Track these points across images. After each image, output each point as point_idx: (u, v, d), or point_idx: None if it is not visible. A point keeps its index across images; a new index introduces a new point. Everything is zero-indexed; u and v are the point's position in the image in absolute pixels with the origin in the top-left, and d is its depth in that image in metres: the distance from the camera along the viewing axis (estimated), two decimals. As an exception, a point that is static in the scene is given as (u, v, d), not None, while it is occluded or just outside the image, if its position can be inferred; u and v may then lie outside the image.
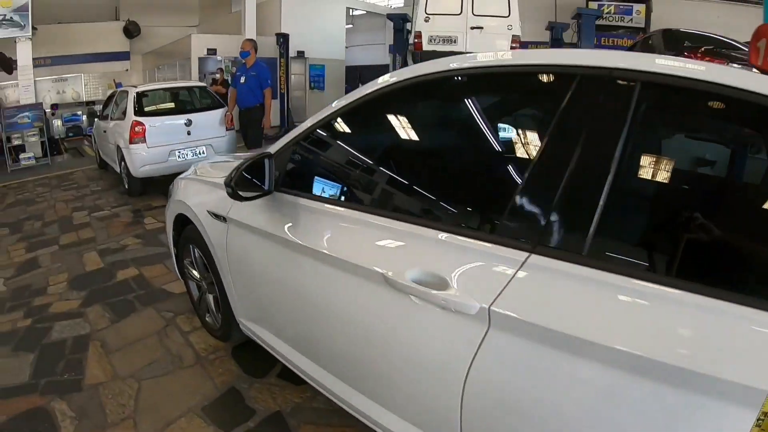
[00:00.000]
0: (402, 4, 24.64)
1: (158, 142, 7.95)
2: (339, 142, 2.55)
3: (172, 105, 8.87)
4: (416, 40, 9.88)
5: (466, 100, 2.06)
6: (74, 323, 4.03)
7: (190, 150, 8.25)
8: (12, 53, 15.12)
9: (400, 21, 12.37)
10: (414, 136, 2.23)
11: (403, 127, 2.24)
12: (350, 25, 23.65)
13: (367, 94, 2.18)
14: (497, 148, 1.87)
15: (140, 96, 8.30)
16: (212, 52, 16.96)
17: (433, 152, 2.19)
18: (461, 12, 9.71)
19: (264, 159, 2.34)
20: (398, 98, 2.17)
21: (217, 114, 8.58)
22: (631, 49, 11.45)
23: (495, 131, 1.89)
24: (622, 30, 16.34)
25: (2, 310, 4.37)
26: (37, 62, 16.94)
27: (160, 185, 8.60)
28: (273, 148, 2.55)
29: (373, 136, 2.40)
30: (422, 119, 2.31)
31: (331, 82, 21.53)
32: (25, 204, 8.54)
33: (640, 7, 16.88)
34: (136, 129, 7.82)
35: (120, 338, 3.76)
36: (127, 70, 22.57)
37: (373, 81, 2.21)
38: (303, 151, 2.52)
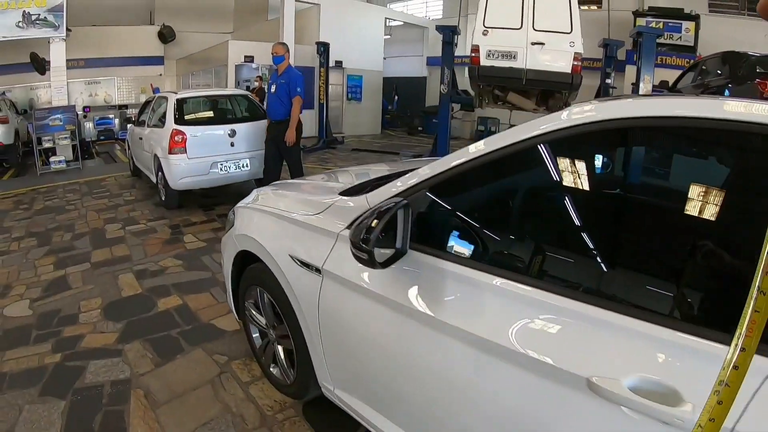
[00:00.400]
0: (441, 16, 24.42)
1: (199, 154, 7.43)
2: (505, 191, 1.97)
3: (213, 114, 8.35)
4: (473, 54, 9.38)
5: (691, 152, 1.54)
6: (111, 363, 3.48)
7: (233, 163, 7.71)
8: (45, 54, 14.87)
9: (449, 33, 11.69)
10: (621, 193, 1.63)
11: (605, 181, 1.65)
12: (388, 36, 23.27)
13: (545, 133, 1.58)
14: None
15: (181, 103, 7.76)
16: (249, 59, 16.64)
17: (655, 213, 1.52)
18: (521, 26, 9.18)
19: (398, 209, 1.77)
20: (595, 141, 1.57)
21: (261, 125, 7.95)
22: (687, 72, 10.94)
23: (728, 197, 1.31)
24: (666, 48, 16.01)
25: (28, 340, 3.83)
26: (71, 64, 16.80)
27: (198, 198, 8.19)
28: (400, 189, 1.99)
29: (559, 191, 1.68)
30: (635, 170, 1.61)
31: (368, 93, 21.41)
32: (55, 212, 8.03)
33: (689, 25, 16.53)
34: (176, 138, 7.29)
35: (167, 387, 3.20)
36: (160, 74, 22.39)
37: (549, 116, 1.61)
38: (446, 196, 1.93)
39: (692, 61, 12.64)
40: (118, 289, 4.78)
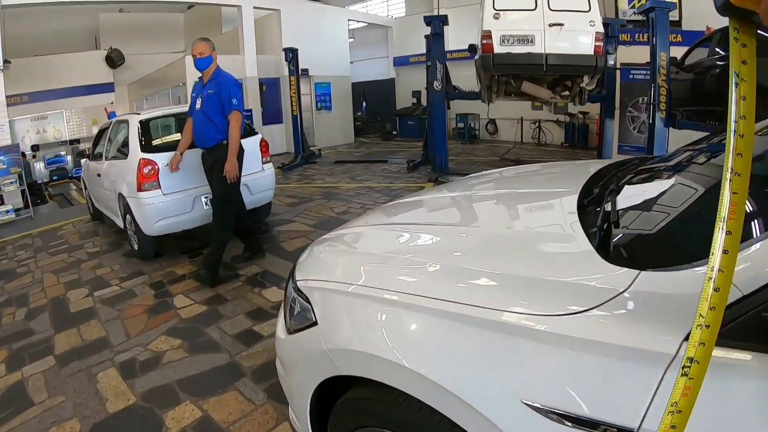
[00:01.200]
0: (404, 14, 23.56)
1: (177, 187, 5.95)
2: None
3: (188, 135, 6.81)
4: (485, 42, 8.26)
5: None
6: None
7: (222, 193, 6.20)
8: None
9: (439, 24, 10.57)
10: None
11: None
12: (351, 39, 22.05)
13: None
14: None
15: (146, 125, 6.26)
16: (210, 73, 15.11)
17: None
18: (536, 6, 8.21)
19: None
20: None
21: (251, 144, 6.55)
22: (697, 47, 10.23)
23: None
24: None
25: None
26: (12, 100, 15.19)
27: (179, 240, 6.72)
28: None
29: None
30: None
31: (337, 101, 20.28)
32: (3, 278, 6.39)
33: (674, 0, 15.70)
34: (145, 170, 5.80)
35: None
36: (112, 102, 20.66)
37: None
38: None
39: (706, 34, 11.78)
40: (100, 400, 3.33)
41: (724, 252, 0.77)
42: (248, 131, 6.88)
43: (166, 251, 6.49)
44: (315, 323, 1.83)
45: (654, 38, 9.46)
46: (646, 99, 10.53)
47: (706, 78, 7.78)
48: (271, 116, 17.20)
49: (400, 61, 22.67)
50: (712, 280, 0.78)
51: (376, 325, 1.64)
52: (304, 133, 15.16)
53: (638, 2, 15.32)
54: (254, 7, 16.39)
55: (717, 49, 8.81)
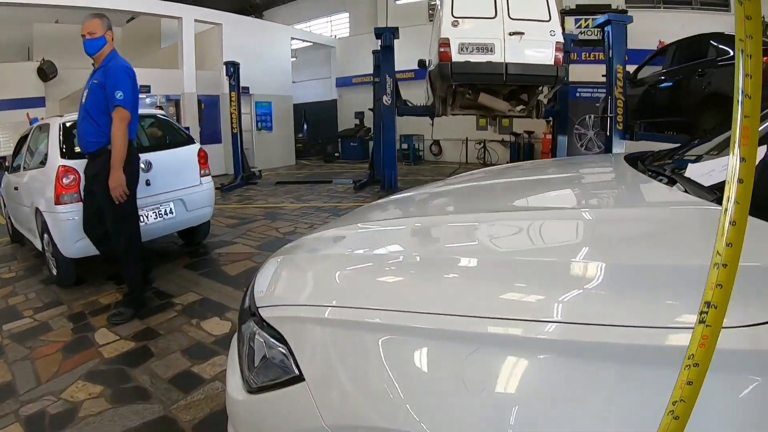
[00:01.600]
0: (348, 34, 23.30)
1: None
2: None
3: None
4: (442, 50, 8.05)
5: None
6: None
7: (153, 210, 5.51)
8: None
9: (390, 36, 10.29)
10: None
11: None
12: (294, 59, 21.48)
13: None
14: None
15: (68, 129, 5.42)
16: (146, 89, 14.22)
17: None
18: (496, 15, 8.13)
19: None
20: None
21: (187, 153, 5.90)
22: (649, 61, 10.67)
23: None
24: (592, 45, 15.98)
25: None
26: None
27: (104, 265, 5.81)
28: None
29: None
30: None
31: (278, 121, 19.75)
32: None
33: (618, 21, 16.29)
34: (65, 180, 4.95)
35: None
36: (42, 118, 19.38)
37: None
38: None
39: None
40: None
41: (740, 181, 0.69)
42: (185, 139, 6.25)
43: (89, 277, 5.63)
44: (298, 378, 1.20)
45: (610, 51, 9.76)
46: (593, 116, 10.68)
47: (658, 90, 8.17)
48: (210, 136, 16.37)
49: (343, 82, 22.41)
50: (728, 212, 0.69)
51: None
52: (244, 153, 14.49)
53: (585, 22, 15.70)
54: (195, 20, 15.72)
55: (673, 62, 9.14)
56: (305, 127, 23.31)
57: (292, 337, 1.26)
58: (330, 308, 1.25)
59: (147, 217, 5.41)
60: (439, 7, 9.01)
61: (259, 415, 1.35)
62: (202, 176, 6.27)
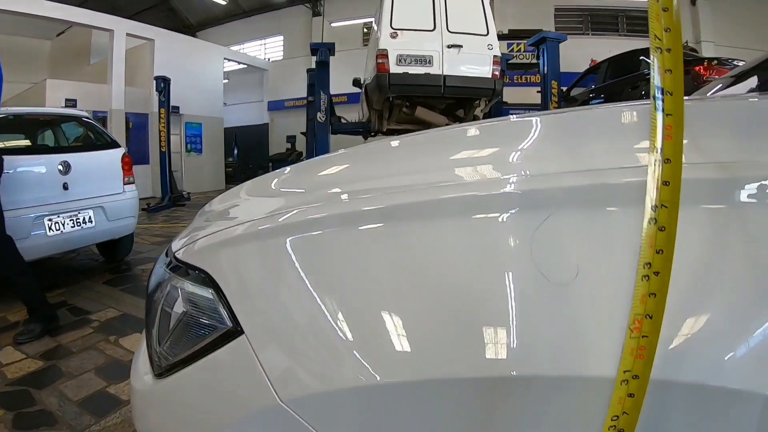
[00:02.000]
0: (281, 57, 23.25)
1: (10, 203, 4.37)
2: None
3: (30, 141, 5.64)
4: (380, 61, 7.97)
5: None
6: None
7: (71, 217, 4.99)
8: None
9: (325, 51, 10.16)
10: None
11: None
12: (226, 81, 21.14)
13: None
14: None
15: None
16: (72, 103, 13.66)
17: None
18: (435, 27, 8.15)
19: None
20: None
21: (110, 158, 5.49)
22: (583, 77, 11.69)
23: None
24: (524, 68, 17.10)
25: None
26: None
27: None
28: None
29: None
30: None
31: (209, 144, 19.33)
32: None
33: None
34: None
35: None
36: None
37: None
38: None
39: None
40: None
41: (665, 183, 0.66)
42: (108, 143, 5.85)
43: (-3, 292, 5.12)
44: (232, 333, 0.89)
45: (545, 67, 10.30)
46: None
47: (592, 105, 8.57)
48: (137, 156, 15.64)
49: (275, 106, 22.32)
50: (655, 218, 0.66)
51: None
52: (173, 174, 14.01)
53: (517, 46, 16.26)
54: (127, 34, 15.20)
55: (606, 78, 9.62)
56: (236, 151, 23.06)
57: (221, 270, 0.97)
58: (270, 217, 1.01)
59: (63, 225, 4.91)
60: (375, 26, 9.05)
61: (173, 403, 1.02)
62: (125, 184, 5.82)
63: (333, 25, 20.68)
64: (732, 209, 0.73)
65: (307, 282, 0.86)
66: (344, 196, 0.97)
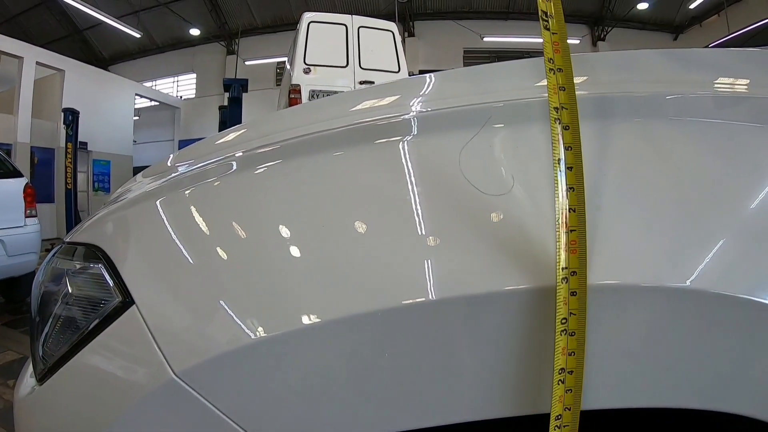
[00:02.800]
0: (194, 95, 22.95)
1: None
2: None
3: None
4: (293, 96, 8.07)
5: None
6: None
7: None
8: None
9: (238, 87, 10.29)
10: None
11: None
12: (136, 117, 20.62)
13: None
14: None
15: None
16: (-29, 138, 13.02)
17: None
18: (347, 64, 8.38)
19: None
20: None
21: (11, 187, 5.28)
22: None
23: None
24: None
25: None
26: None
27: None
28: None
29: None
30: None
31: (117, 183, 18.40)
32: None
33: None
34: None
35: None
36: None
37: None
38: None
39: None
40: None
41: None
42: (9, 171, 5.60)
43: None
44: (121, 307, 0.80)
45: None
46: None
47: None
48: (42, 194, 14.76)
49: (186, 144, 21.60)
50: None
51: None
52: (79, 213, 13.37)
53: None
54: (37, 63, 14.55)
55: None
56: (144, 192, 22.26)
57: (109, 240, 0.92)
58: (160, 179, 1.01)
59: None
60: (288, 63, 9.14)
61: (58, 405, 0.88)
62: (27, 216, 5.48)
63: (247, 63, 20.68)
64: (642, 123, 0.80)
65: (195, 236, 0.84)
66: (239, 153, 0.94)
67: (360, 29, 8.59)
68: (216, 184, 0.90)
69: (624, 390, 0.72)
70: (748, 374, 0.70)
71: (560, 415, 0.67)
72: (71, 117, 12.72)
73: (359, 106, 0.95)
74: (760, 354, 0.69)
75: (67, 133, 12.84)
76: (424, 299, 0.69)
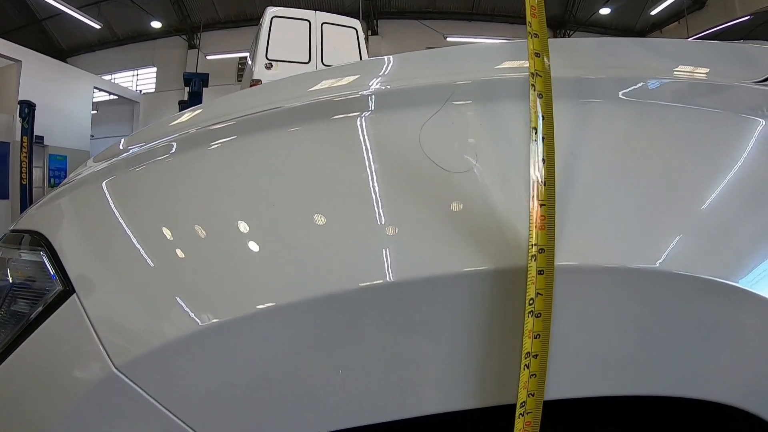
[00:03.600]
0: (154, 90, 22.69)
1: None
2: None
3: None
4: None
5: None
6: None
7: None
8: None
9: (199, 81, 10.18)
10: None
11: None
12: (95, 111, 20.26)
13: None
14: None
15: None
16: None
17: None
18: (309, 60, 8.32)
19: None
20: None
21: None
22: None
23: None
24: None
25: None
26: None
27: None
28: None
29: None
30: None
31: None
32: None
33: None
34: None
35: None
36: None
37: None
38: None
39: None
40: None
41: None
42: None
43: None
44: (62, 295, 0.75)
45: None
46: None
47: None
48: (-5, 191, 14.63)
49: (145, 140, 21.43)
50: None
51: None
52: (33, 212, 12.99)
53: None
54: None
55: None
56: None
57: (51, 226, 0.87)
58: (107, 161, 0.97)
59: None
60: (249, 59, 9.09)
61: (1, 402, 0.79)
62: None
63: (209, 58, 20.45)
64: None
65: (141, 218, 0.81)
66: (192, 131, 0.90)
67: (323, 26, 8.54)
68: (167, 161, 0.87)
69: (589, 378, 0.70)
70: (718, 359, 0.70)
71: (524, 401, 0.64)
72: (27, 110, 12.47)
73: (318, 86, 0.93)
74: (728, 338, 0.69)
75: (23, 126, 12.57)
76: (381, 281, 0.65)
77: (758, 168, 0.75)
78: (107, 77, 22.55)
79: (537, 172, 0.66)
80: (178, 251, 0.74)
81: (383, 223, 0.68)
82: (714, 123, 0.79)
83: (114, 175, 0.89)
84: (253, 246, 0.71)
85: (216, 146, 0.83)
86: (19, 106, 12.87)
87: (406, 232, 0.68)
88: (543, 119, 0.68)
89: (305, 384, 0.67)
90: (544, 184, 0.65)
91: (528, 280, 0.63)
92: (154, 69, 22.78)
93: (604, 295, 0.67)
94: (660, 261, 0.66)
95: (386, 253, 0.67)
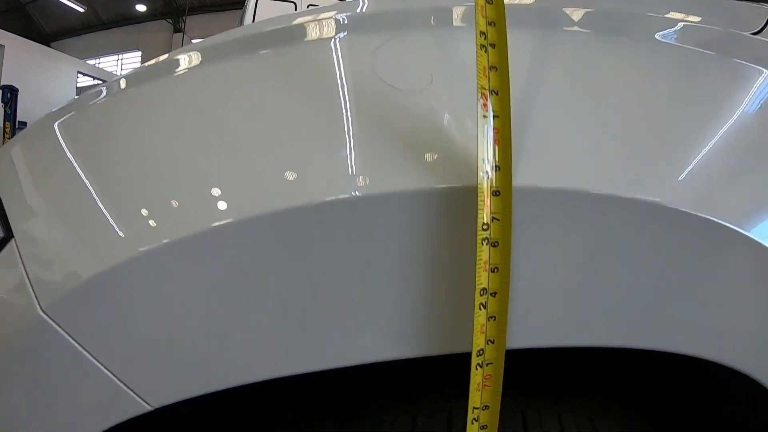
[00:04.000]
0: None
1: None
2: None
3: None
4: None
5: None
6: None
7: None
8: None
9: (7, 94, 10.54)
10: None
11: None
12: (75, 97, 20.01)
13: None
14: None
15: None
16: None
17: None
18: None
19: None
20: None
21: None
22: None
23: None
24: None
25: None
26: None
27: None
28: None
29: None
30: None
31: None
32: None
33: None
34: None
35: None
36: None
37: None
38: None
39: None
40: None
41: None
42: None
43: None
44: (5, 238, 0.72)
45: None
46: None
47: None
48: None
49: (128, 125, 21.31)
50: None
51: None
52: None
53: None
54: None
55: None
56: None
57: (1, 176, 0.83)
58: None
59: None
60: None
61: None
62: None
63: (194, 41, 20.19)
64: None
65: (87, 152, 0.77)
66: (151, 62, 0.88)
67: (310, 8, 8.23)
68: (114, 99, 0.82)
69: (559, 325, 0.63)
70: (683, 304, 0.64)
71: (482, 349, 0.55)
72: (10, 94, 12.39)
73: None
74: (696, 278, 0.63)
75: (5, 111, 12.46)
76: (320, 201, 0.58)
77: (735, 105, 0.71)
78: (92, 62, 22.34)
79: (485, 79, 0.58)
80: (118, 176, 0.69)
81: (329, 141, 0.64)
82: (697, 62, 0.76)
83: (64, 116, 0.84)
84: (191, 165, 0.67)
85: (177, 74, 0.80)
86: (1, 90, 12.76)
87: (353, 149, 0.63)
88: (494, 25, 0.60)
89: (237, 327, 0.62)
90: (497, 93, 0.57)
91: (479, 200, 0.55)
92: (139, 53, 22.58)
93: (563, 221, 0.61)
94: (623, 186, 0.60)
95: (328, 170, 0.61)
